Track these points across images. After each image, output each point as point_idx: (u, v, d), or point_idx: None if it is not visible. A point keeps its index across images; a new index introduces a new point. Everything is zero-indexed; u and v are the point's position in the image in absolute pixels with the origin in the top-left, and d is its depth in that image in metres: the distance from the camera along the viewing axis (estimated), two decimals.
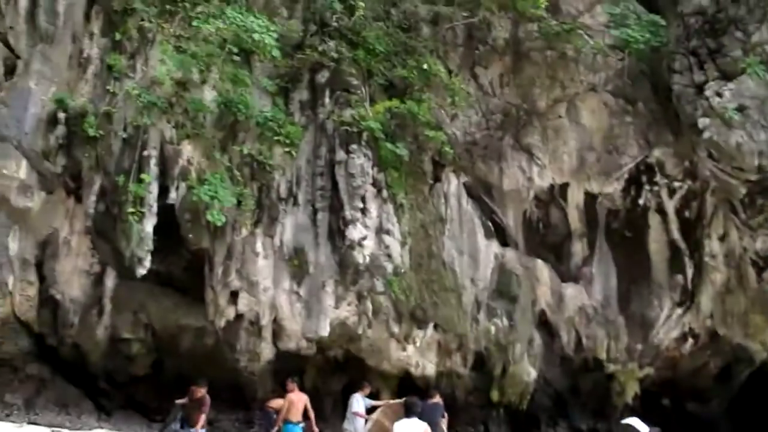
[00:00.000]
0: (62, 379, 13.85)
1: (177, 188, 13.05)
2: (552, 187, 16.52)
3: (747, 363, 17.48)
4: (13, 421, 12.39)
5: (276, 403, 13.03)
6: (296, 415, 12.72)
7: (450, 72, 15.77)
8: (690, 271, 16.56)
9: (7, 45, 13.30)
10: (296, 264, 13.83)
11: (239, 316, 13.69)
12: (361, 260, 13.64)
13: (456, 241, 15.57)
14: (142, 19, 13.79)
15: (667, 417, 16.90)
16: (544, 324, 16.51)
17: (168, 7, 14.13)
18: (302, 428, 12.85)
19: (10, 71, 13.26)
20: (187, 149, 13.18)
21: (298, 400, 12.87)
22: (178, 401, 12.30)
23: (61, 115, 13.20)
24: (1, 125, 12.86)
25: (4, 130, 12.88)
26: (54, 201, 13.31)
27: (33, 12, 13.36)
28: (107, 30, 13.92)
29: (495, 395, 16.07)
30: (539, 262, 16.46)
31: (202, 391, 12.12)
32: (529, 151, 16.29)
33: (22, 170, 12.89)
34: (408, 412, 8.82)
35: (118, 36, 13.73)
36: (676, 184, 16.39)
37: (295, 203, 14.08)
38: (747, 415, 17.68)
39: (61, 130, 13.21)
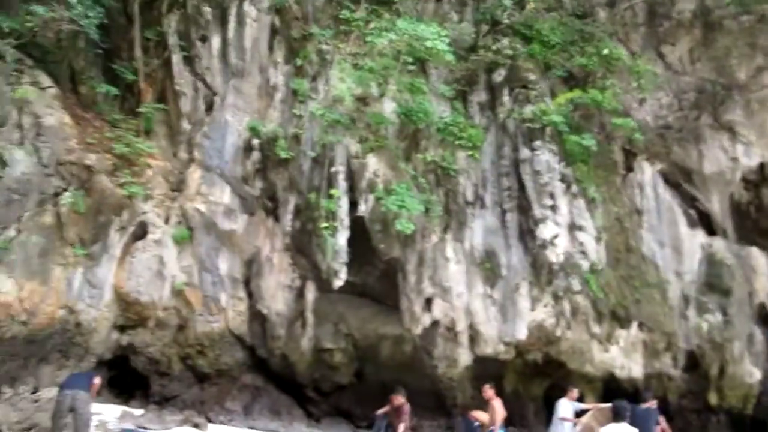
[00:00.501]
0: (274, 388, 14.65)
1: (366, 200, 13.39)
2: (762, 165, 14.98)
3: None
4: (234, 426, 13.35)
5: (480, 415, 12.74)
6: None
7: (633, 54, 14.89)
8: None
9: (205, 84, 14.49)
10: (488, 267, 13.66)
11: (435, 323, 13.72)
12: (554, 259, 13.17)
13: (656, 233, 14.61)
14: (320, 42, 14.42)
15: None
16: (765, 319, 14.89)
17: (342, 27, 14.68)
18: None
19: (209, 107, 14.44)
20: (373, 162, 13.52)
21: (500, 405, 12.52)
22: (380, 411, 12.43)
23: (255, 142, 14.14)
24: (205, 156, 14.05)
25: (208, 161, 14.04)
26: (255, 222, 14.22)
27: (224, 51, 14.44)
28: (289, 57, 14.74)
29: (713, 399, 14.75)
30: (754, 249, 15.02)
31: (401, 399, 12.16)
32: (731, 129, 14.94)
33: (226, 196, 13.99)
34: (616, 416, 8.20)
35: (299, 61, 14.49)
36: None
37: (483, 206, 13.95)
38: None
39: (256, 155, 14.15)
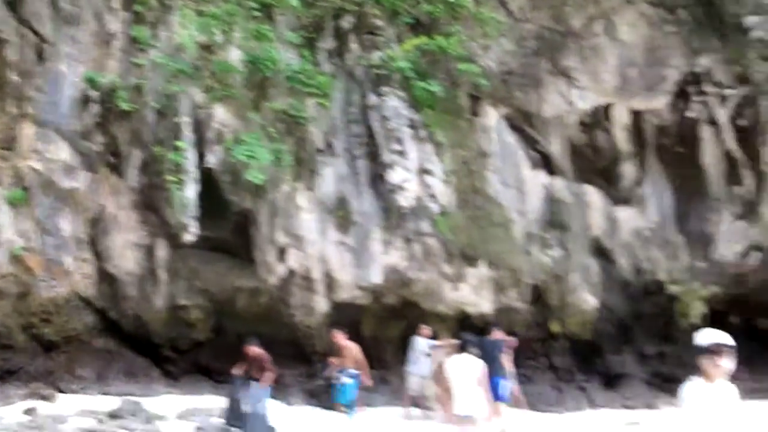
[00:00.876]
0: (129, 351, 14.18)
1: (213, 152, 13.07)
2: (595, 109, 15.98)
3: None
4: (86, 394, 12.84)
5: (337, 360, 12.81)
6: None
7: (477, 2, 15.23)
8: (749, 182, 15.90)
9: (33, 31, 13.38)
10: (341, 214, 13.77)
11: (291, 273, 13.72)
12: (404, 203, 13.49)
13: (501, 175, 15.27)
14: None
15: (735, 335, 16.35)
16: (599, 251, 16.14)
17: None
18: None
19: (39, 57, 13.37)
20: (219, 112, 13.18)
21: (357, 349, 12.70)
22: (236, 370, 11.98)
23: (94, 94, 13.33)
24: (39, 110, 13.08)
25: (42, 115, 13.11)
26: (98, 179, 13.51)
27: None
28: (127, 3, 13.86)
29: (556, 327, 15.87)
30: (589, 187, 16.08)
31: (255, 350, 11.84)
32: (567, 75, 15.76)
33: (64, 152, 13.17)
34: (461, 349, 8.72)
35: (138, 7, 13.68)
36: (727, 91, 15.65)
37: (333, 153, 13.96)
38: None
39: (95, 108, 13.36)
